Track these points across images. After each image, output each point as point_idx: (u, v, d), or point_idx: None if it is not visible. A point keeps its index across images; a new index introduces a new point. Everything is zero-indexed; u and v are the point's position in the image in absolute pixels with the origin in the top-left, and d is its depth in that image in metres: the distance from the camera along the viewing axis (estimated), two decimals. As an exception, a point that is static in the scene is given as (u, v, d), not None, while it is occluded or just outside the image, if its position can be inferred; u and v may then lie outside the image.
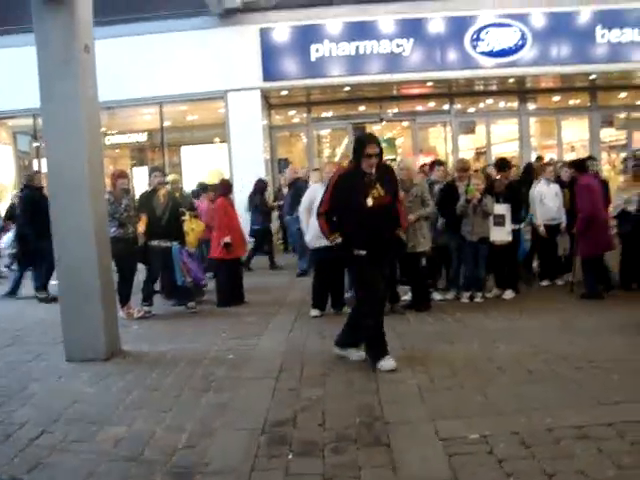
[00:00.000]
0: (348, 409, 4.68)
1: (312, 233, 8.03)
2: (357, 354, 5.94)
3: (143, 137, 16.59)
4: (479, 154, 16.70)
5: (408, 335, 6.85)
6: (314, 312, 8.09)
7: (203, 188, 11.33)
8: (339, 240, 5.69)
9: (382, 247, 5.70)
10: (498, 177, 9.03)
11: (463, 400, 4.77)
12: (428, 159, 14.81)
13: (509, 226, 8.62)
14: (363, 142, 5.73)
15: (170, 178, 9.78)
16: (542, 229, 9.30)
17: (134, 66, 14.11)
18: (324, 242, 7.87)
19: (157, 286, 9.37)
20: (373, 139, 5.83)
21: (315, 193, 8.08)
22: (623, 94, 17.44)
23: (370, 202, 5.56)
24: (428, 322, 7.54)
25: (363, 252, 5.59)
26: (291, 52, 14.64)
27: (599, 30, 14.43)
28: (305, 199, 8.36)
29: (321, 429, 4.34)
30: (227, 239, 9.03)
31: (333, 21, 14.39)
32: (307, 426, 4.41)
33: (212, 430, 4.38)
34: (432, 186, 9.05)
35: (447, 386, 5.10)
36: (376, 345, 5.70)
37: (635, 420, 4.22)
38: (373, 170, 5.63)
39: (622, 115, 17.18)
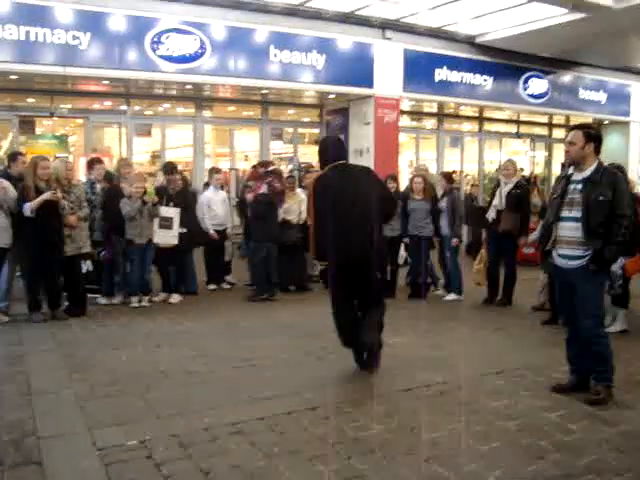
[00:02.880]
0: (-4, 427, 4.32)
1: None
2: None
3: None
4: (154, 157, 16.66)
5: (68, 343, 6.58)
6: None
7: None
8: None
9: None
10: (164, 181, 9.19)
11: (123, 407, 4.71)
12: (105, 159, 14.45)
13: (176, 229, 8.75)
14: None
15: None
16: (212, 232, 9.62)
17: None
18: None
19: None
20: None
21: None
22: (292, 110, 18.83)
23: None
24: (91, 328, 7.31)
25: None
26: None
27: (272, 49, 15.37)
28: None
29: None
30: None
31: None
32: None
33: None
34: (93, 186, 8.80)
35: (107, 393, 4.99)
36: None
37: (283, 412, 4.58)
38: None
39: (290, 130, 18.52)
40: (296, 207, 9.79)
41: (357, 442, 4.12)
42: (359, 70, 16.09)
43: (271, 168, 10.07)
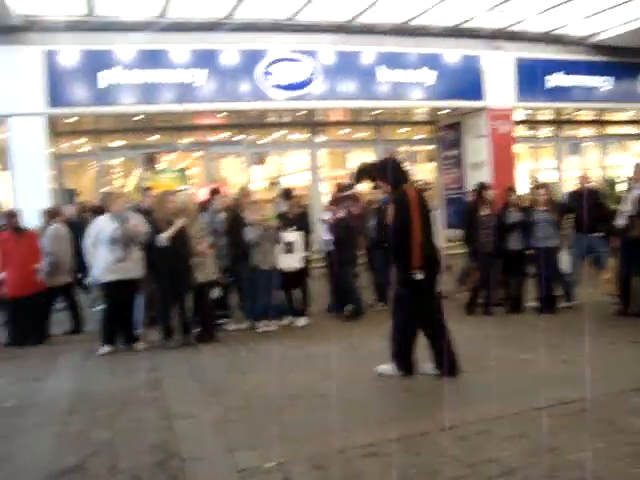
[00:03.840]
0: (141, 449, 4.52)
1: (101, 266, 7.72)
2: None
3: None
4: (272, 184, 17.07)
5: (201, 368, 6.81)
6: (104, 349, 7.73)
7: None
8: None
9: None
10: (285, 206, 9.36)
11: (258, 430, 4.79)
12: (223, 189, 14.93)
13: (300, 253, 8.89)
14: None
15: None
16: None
17: None
18: (115, 275, 7.66)
19: None
20: None
21: (102, 225, 7.79)
22: (404, 129, 18.80)
23: None
24: (222, 353, 7.53)
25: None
26: (79, 77, 13.99)
27: (381, 69, 15.46)
28: (91, 233, 7.93)
29: (112, 473, 4.14)
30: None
31: (124, 48, 14.04)
32: (97, 472, 4.19)
33: (-13, 487, 4.03)
34: (215, 215, 9.07)
35: (242, 417, 5.10)
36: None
37: (417, 433, 4.51)
38: None
39: (403, 148, 18.48)
40: None
41: (495, 463, 3.98)
42: (469, 83, 15.90)
43: (347, 193, 10.07)
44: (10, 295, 8.57)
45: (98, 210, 8.99)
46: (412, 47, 15.61)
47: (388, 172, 6.06)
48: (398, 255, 5.90)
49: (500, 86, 15.90)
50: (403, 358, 6.01)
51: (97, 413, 5.42)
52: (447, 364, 5.81)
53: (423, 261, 5.79)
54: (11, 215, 8.78)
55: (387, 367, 6.06)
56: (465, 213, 9.87)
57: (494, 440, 4.33)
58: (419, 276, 5.75)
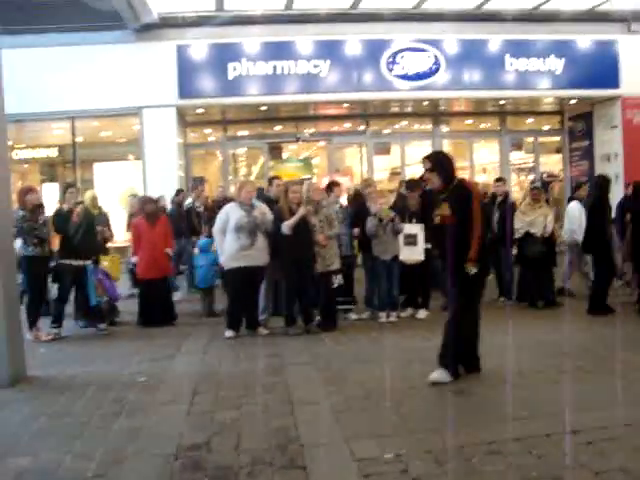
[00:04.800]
0: (263, 432, 4.63)
1: (227, 253, 7.97)
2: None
3: (54, 152, 16.06)
4: (394, 175, 17.01)
5: (323, 356, 6.88)
6: (228, 333, 8.00)
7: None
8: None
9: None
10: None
11: (377, 420, 4.79)
12: (345, 179, 15.04)
13: (421, 245, 8.79)
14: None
15: (88, 195, 9.47)
16: None
17: (46, 78, 13.65)
18: (239, 263, 7.89)
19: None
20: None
21: (229, 213, 8.03)
22: (531, 119, 18.19)
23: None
24: (343, 342, 7.58)
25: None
26: (208, 70, 14.54)
27: (508, 58, 15.02)
28: (219, 220, 8.22)
29: (236, 453, 4.27)
30: (133, 259, 8.94)
31: (251, 40, 14.41)
32: (222, 450, 4.33)
33: (123, 457, 4.24)
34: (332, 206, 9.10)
35: (362, 406, 5.12)
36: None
37: (540, 434, 4.33)
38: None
39: (530, 139, 17.88)
40: (542, 220, 9.34)
41: (626, 473, 3.76)
42: (602, 70, 15.14)
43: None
44: (141, 277, 9.03)
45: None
46: (540, 34, 15.05)
47: (442, 165, 5.80)
48: (457, 250, 5.57)
49: (637, 73, 14.98)
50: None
51: (221, 394, 5.61)
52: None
53: (480, 256, 5.58)
54: (145, 202, 9.21)
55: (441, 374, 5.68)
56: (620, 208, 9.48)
57: (625, 449, 4.11)
58: (473, 270, 5.51)
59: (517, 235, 9.42)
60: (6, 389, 5.93)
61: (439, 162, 5.82)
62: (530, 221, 9.30)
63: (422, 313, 8.90)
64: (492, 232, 9.54)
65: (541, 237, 9.29)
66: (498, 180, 10.43)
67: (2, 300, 6.06)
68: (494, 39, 15.01)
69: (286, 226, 7.84)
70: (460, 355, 5.75)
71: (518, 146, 17.80)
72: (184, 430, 4.72)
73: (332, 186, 9.54)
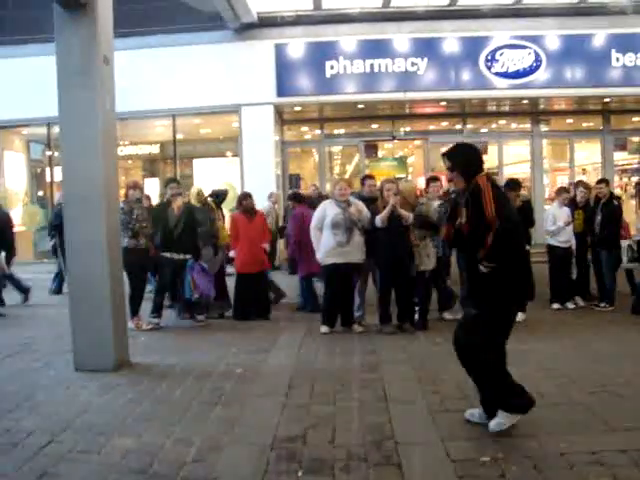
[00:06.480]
0: (358, 427, 4.65)
1: (324, 249, 8.02)
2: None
3: (155, 149, 16.66)
4: (491, 175, 16.69)
5: (418, 355, 6.83)
6: (324, 328, 8.05)
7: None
8: None
9: None
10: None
11: (472, 422, 4.72)
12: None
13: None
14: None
15: (194, 190, 9.76)
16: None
17: (148, 77, 14.19)
18: (335, 259, 7.92)
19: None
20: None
21: (326, 210, 8.08)
22: (636, 118, 17.44)
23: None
24: (437, 342, 7.49)
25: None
26: (305, 68, 14.71)
27: (614, 54, 14.45)
28: (316, 216, 8.28)
29: (331, 446, 4.31)
30: (231, 253, 9.12)
31: (348, 39, 14.47)
32: (317, 443, 4.38)
33: (221, 445, 4.35)
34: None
35: (458, 407, 5.04)
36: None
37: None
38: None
39: (635, 139, 17.15)
40: None
41: None
42: None
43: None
44: (239, 272, 9.21)
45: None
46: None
47: (464, 162, 4.82)
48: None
49: None
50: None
51: (317, 388, 5.65)
52: None
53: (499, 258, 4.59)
54: (244, 197, 9.39)
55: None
56: None
57: None
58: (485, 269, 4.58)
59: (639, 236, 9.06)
60: (111, 373, 6.19)
61: (461, 158, 4.86)
62: None
63: (520, 315, 8.63)
64: (594, 235, 9.25)
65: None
66: (600, 182, 10.04)
67: (109, 289, 6.34)
68: (599, 34, 14.48)
69: (379, 219, 7.82)
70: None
71: (622, 146, 17.10)
72: (280, 422, 4.78)
73: (430, 182, 9.30)
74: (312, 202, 10.26)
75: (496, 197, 4.57)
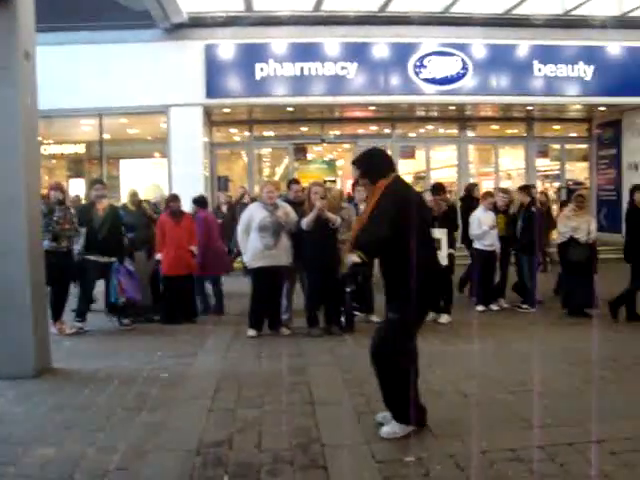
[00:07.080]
0: (285, 431, 4.65)
1: (251, 253, 7.99)
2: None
3: (81, 148, 16.23)
4: (418, 179, 16.99)
5: (345, 357, 6.88)
6: (251, 332, 8.01)
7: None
8: None
9: None
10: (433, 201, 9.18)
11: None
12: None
13: (445, 250, 8.75)
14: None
15: (130, 191, 9.57)
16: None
17: (75, 75, 13.82)
18: (263, 262, 7.90)
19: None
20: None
21: (253, 213, 8.06)
22: (557, 126, 18.07)
23: None
24: (364, 344, 7.51)
25: None
26: (235, 70, 14.62)
27: (536, 64, 14.93)
28: (243, 219, 8.24)
29: (257, 451, 4.29)
30: (157, 256, 8.98)
31: (279, 41, 14.47)
32: (243, 447, 4.36)
33: (145, 451, 4.28)
34: (357, 207, 8.91)
35: (383, 409, 5.07)
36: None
37: (564, 443, 4.32)
38: None
39: (556, 146, 17.76)
40: (586, 226, 9.23)
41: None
42: (633, 78, 15.00)
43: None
44: (165, 274, 9.07)
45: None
46: (570, 40, 14.96)
47: (373, 168, 4.71)
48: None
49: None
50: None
51: (243, 392, 5.62)
52: None
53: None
54: (171, 199, 9.26)
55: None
56: None
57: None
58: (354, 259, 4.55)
59: (561, 239, 9.33)
60: (31, 380, 6.00)
61: (367, 166, 4.77)
62: (574, 226, 9.21)
63: (444, 318, 8.84)
64: (516, 240, 9.57)
65: (585, 243, 9.18)
66: (522, 188, 10.32)
67: (29, 293, 6.14)
68: (522, 44, 14.94)
69: (305, 222, 7.85)
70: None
71: (544, 153, 17.70)
72: (206, 427, 4.74)
73: (355, 186, 9.44)
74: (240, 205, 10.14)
75: (381, 200, 4.46)
